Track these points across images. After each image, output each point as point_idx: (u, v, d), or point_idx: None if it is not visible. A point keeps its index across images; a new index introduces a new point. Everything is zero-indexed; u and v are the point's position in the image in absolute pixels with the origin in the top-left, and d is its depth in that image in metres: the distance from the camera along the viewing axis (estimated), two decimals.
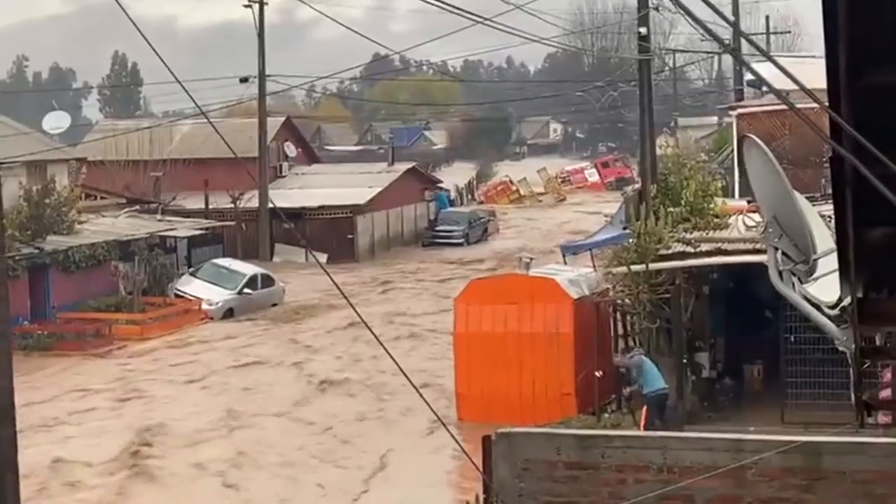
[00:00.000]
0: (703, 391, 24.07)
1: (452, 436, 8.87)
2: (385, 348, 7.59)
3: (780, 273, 6.91)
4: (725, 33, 56.95)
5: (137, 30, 6.73)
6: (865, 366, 6.63)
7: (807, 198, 9.71)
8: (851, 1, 4.55)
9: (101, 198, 46.59)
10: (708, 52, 39.60)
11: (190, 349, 34.66)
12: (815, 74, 5.83)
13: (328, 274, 7.46)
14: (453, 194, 75.32)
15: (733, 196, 32.11)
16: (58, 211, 38.55)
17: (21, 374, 27.40)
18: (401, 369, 7.42)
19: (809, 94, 4.50)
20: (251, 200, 53.30)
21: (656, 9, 27.14)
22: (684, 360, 23.36)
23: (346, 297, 8.22)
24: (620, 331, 25.44)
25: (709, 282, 24.75)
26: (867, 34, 4.71)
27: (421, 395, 7.90)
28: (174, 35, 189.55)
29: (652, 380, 22.37)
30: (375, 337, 7.53)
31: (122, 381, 30.49)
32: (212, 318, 39.28)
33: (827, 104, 4.88)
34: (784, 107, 29.97)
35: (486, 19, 14.80)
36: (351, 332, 34.40)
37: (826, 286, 6.86)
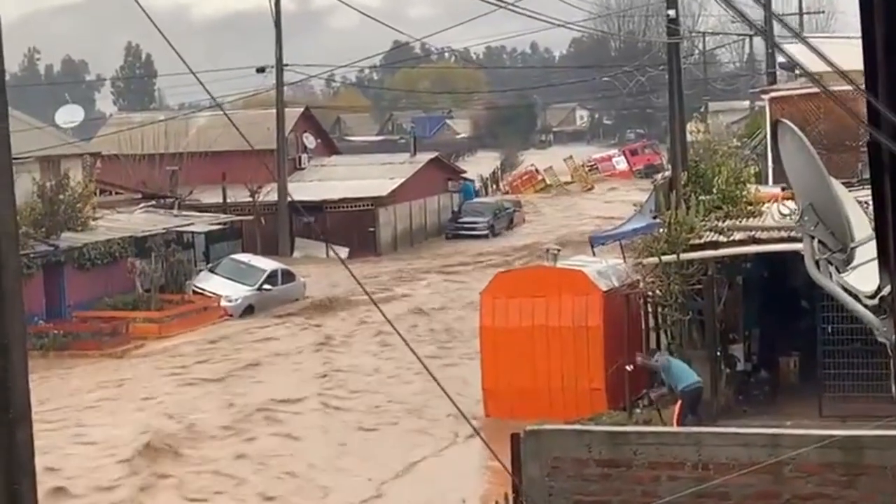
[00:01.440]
0: (738, 384, 24.01)
1: (476, 431, 8.85)
2: (407, 344, 7.59)
3: (817, 262, 6.87)
4: (757, 14, 56.77)
5: (150, 20, 6.73)
6: None
7: (843, 183, 9.66)
8: None
9: (117, 193, 46.76)
10: (739, 35, 39.47)
11: (211, 347, 34.72)
12: (850, 56, 5.79)
13: (349, 269, 7.46)
14: (478, 184, 75.30)
15: (767, 183, 31.95)
16: (72, 207, 38.69)
17: (38, 373, 27.67)
18: (424, 366, 7.42)
19: (843, 75, 4.47)
20: (270, 194, 53.42)
21: None
22: (718, 353, 23.31)
23: (368, 294, 8.23)
24: (651, 323, 25.38)
25: (742, 272, 24.68)
26: None
27: (443, 390, 7.90)
28: (188, 24, 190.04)
29: (684, 376, 22.31)
30: (398, 333, 7.53)
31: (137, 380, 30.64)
32: (231, 316, 39.35)
33: (863, 87, 4.85)
34: (818, 89, 29.69)
35: (508, 4, 14.78)
36: (376, 328, 34.45)
37: (865, 275, 6.81)
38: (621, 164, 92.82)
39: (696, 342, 23.63)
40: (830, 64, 4.32)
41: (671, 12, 27.18)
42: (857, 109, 4.99)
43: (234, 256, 43.75)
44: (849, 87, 4.94)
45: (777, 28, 64.38)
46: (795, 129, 6.65)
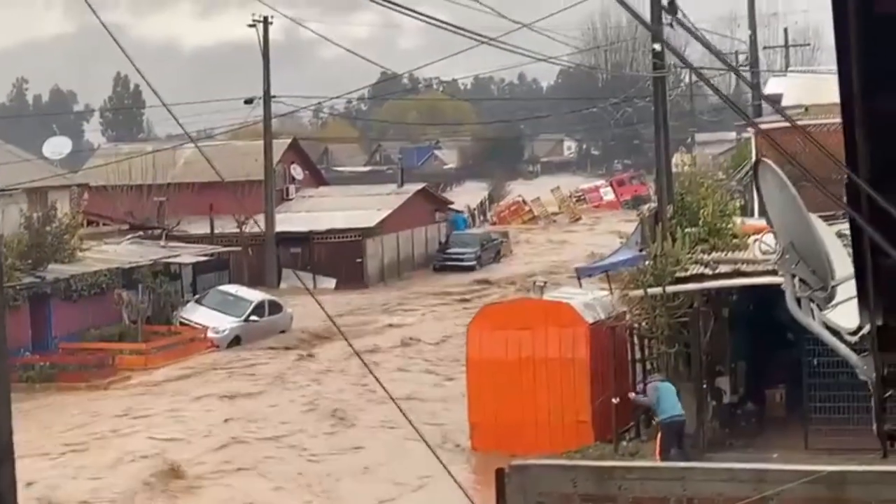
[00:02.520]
0: (725, 417, 24.01)
1: (446, 468, 8.83)
2: (375, 377, 7.59)
3: (798, 300, 6.90)
4: (742, 46, 57.02)
5: (122, 51, 6.76)
6: (888, 394, 6.61)
7: (829, 216, 9.69)
8: (864, 18, 4.55)
9: (104, 224, 46.71)
10: (718, 69, 39.58)
11: (196, 380, 34.63)
12: (835, 90, 5.81)
13: (319, 304, 7.47)
14: (465, 215, 75.41)
15: (752, 215, 32.07)
16: (59, 238, 38.64)
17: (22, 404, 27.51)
18: (392, 398, 7.41)
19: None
20: (257, 225, 53.41)
21: (670, 25, 27.15)
22: (704, 386, 23.31)
23: (339, 329, 8.21)
24: (638, 356, 25.38)
25: (728, 304, 24.71)
26: (881, 53, 4.71)
27: (412, 424, 7.88)
28: (179, 55, 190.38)
29: (667, 407, 22.32)
30: (367, 366, 7.53)
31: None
32: (218, 347, 39.29)
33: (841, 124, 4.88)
34: (806, 121, 29.76)
35: (492, 39, 14.84)
36: (357, 360, 34.35)
37: (846, 312, 6.84)
38: (608, 194, 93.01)
39: (683, 375, 23.63)
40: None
41: (656, 46, 27.32)
42: (839, 143, 5.02)
43: (221, 288, 43.71)
44: (834, 121, 4.97)
45: (764, 61, 64.78)
46: (776, 167, 6.70)
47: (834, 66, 4.72)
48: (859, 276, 5.48)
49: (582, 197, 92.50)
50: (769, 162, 6.84)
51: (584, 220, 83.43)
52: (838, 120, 4.70)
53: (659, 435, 22.35)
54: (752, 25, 53.93)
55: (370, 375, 31.37)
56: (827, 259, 6.72)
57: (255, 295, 42.84)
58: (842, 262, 6.98)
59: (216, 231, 53.80)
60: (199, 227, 54.35)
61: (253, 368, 35.81)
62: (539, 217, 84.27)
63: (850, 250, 6.05)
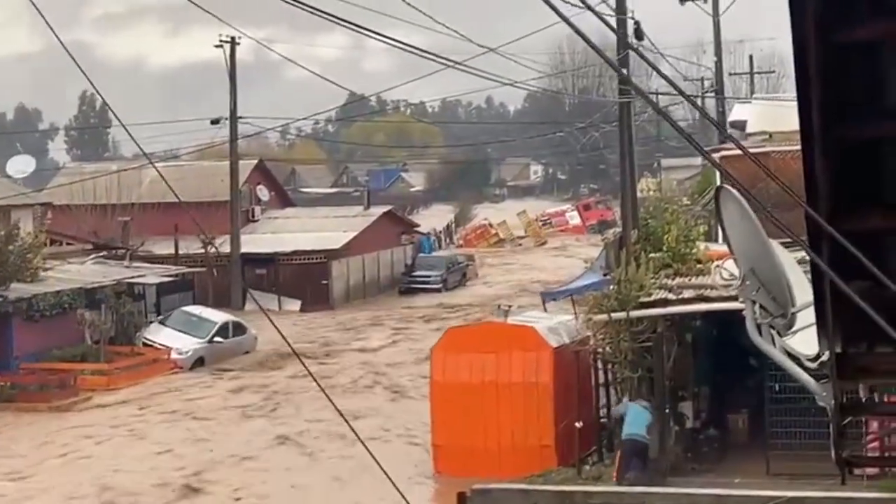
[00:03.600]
0: (687, 442, 24.04)
1: (400, 492, 8.78)
2: (329, 398, 7.55)
3: (759, 326, 6.92)
4: (709, 72, 57.34)
5: (82, 72, 6.73)
6: (846, 421, 6.63)
7: (792, 242, 9.73)
8: (824, 46, 4.57)
9: (67, 243, 46.43)
10: (678, 96, 39.85)
11: (156, 401, 34.42)
12: (797, 117, 5.84)
13: (276, 327, 7.43)
14: (432, 238, 75.45)
15: (716, 241, 32.18)
16: (22, 258, 38.34)
17: None
18: (344, 419, 7.38)
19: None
20: (223, 246, 53.26)
21: (635, 50, 27.31)
22: (667, 410, 23.35)
23: (294, 351, 8.16)
24: (602, 380, 25.41)
25: (691, 329, 24.78)
26: (842, 83, 4.74)
27: (365, 446, 7.85)
28: (145, 74, 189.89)
29: (629, 426, 22.38)
30: (321, 388, 7.49)
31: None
32: (181, 368, 39.11)
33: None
34: (770, 148, 29.83)
35: (459, 63, 14.88)
36: (325, 383, 34.26)
37: (806, 339, 6.86)
38: (574, 219, 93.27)
39: (646, 399, 23.65)
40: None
41: (623, 71, 27.44)
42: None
43: (185, 308, 43.52)
44: (797, 148, 5.00)
45: (729, 88, 65.17)
46: (737, 195, 6.72)
47: None
48: (818, 303, 5.50)
49: (548, 221, 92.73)
50: (730, 189, 6.87)
51: (549, 243, 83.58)
52: (796, 148, 4.74)
53: (618, 455, 22.43)
54: (718, 52, 54.23)
55: (329, 397, 31.36)
56: (787, 286, 6.75)
57: (219, 316, 42.68)
58: (802, 289, 7.01)
59: (181, 252, 53.60)
60: (164, 248, 54.14)
61: (214, 391, 35.60)
62: (505, 240, 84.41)
63: (811, 278, 6.07)
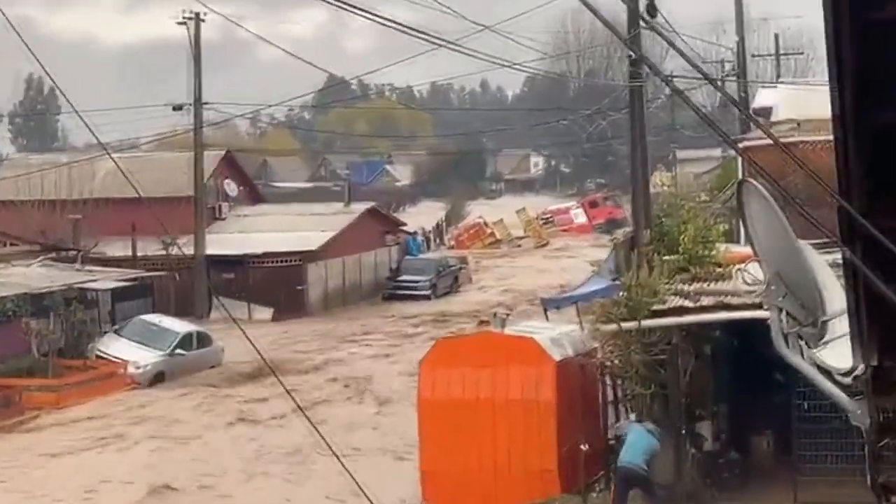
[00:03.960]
0: (705, 466, 24.02)
1: None
2: (307, 417, 7.54)
3: (786, 336, 6.92)
4: (729, 54, 57.40)
5: (29, 50, 6.72)
6: (883, 442, 6.63)
7: (823, 243, 9.72)
8: (860, 24, 4.56)
9: (12, 244, 46.36)
10: (700, 80, 39.75)
11: (108, 422, 34.34)
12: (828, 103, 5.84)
13: (248, 338, 7.41)
14: (420, 238, 75.49)
15: (738, 241, 32.22)
16: None
17: None
18: (322, 437, 7.37)
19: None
20: (186, 246, 53.19)
21: (649, 25, 27.27)
22: (683, 431, 23.33)
23: (271, 369, 8.16)
24: (610, 397, 25.40)
25: (710, 341, 24.76)
26: (879, 64, 4.72)
27: (343, 464, 7.84)
28: (99, 55, 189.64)
29: (627, 450, 22.40)
30: (298, 406, 7.48)
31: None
32: (139, 384, 39.06)
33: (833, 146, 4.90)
34: (798, 138, 29.87)
35: (452, 42, 14.87)
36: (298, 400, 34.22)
37: (839, 351, 6.86)
38: (580, 217, 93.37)
39: (659, 419, 23.64)
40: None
41: (633, 53, 27.46)
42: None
43: (143, 317, 43.46)
44: (828, 138, 5.00)
45: (752, 71, 65.22)
46: (762, 189, 6.72)
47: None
48: (853, 310, 5.50)
49: (550, 219, 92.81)
50: (754, 183, 6.87)
51: (552, 245, 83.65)
52: (828, 137, 4.74)
53: (612, 486, 22.51)
54: (740, 31, 54.23)
55: (305, 421, 31.39)
56: (818, 291, 6.75)
57: (181, 326, 42.67)
58: (834, 295, 7.01)
59: (139, 253, 53.55)
60: (120, 249, 54.07)
61: (176, 411, 35.52)
62: (502, 241, 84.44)
63: (844, 282, 6.08)
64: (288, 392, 10.25)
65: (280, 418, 32.98)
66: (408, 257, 65.94)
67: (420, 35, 11.65)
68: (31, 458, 30.46)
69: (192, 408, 35.91)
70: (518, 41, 30.89)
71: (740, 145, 35.40)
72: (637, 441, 22.48)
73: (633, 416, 23.65)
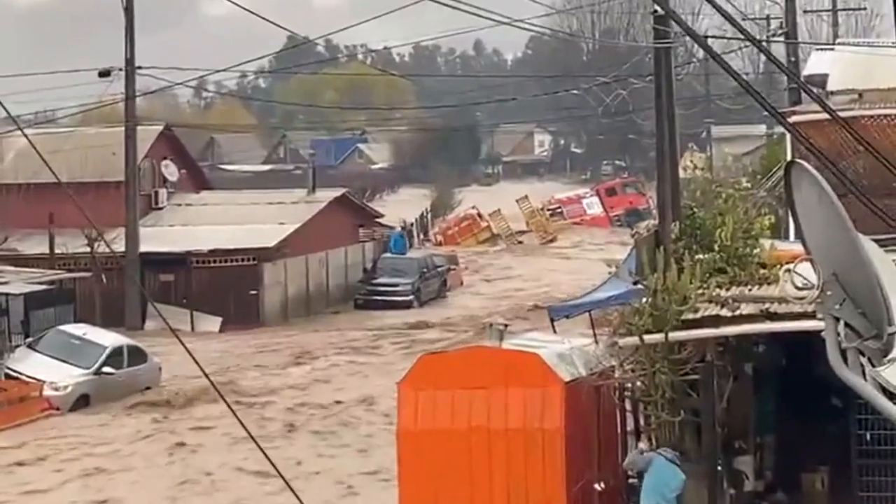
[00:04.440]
0: None
1: None
2: (259, 445, 7.54)
3: (844, 352, 6.90)
4: (776, 9, 57.49)
5: None
6: None
7: (889, 239, 9.73)
8: None
9: None
10: (740, 40, 39.67)
11: (14, 457, 34.24)
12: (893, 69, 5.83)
13: (191, 354, 7.41)
14: (402, 232, 75.47)
15: (787, 237, 32.29)
16: None
17: None
18: (277, 470, 7.36)
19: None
20: (115, 242, 53.12)
21: None
22: (719, 467, 23.37)
23: (219, 393, 8.16)
24: (631, 426, 25.44)
25: (753, 357, 24.82)
26: None
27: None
28: (10, 12, 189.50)
29: (648, 488, 22.45)
30: (250, 435, 7.48)
31: None
32: (58, 409, 38.97)
33: None
34: (859, 111, 30.04)
35: None
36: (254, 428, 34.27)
37: None
38: (594, 207, 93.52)
39: (690, 452, 23.68)
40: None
41: (659, 7, 27.44)
42: None
43: (63, 328, 43.38)
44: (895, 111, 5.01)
45: (805, 29, 65.30)
46: (814, 172, 6.70)
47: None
48: None
49: (558, 210, 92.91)
50: (806, 165, 6.84)
51: (560, 240, 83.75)
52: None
53: None
54: None
55: (256, 454, 31.38)
56: (883, 296, 6.73)
57: (109, 338, 42.58)
58: None
59: (58, 251, 53.45)
60: (35, 245, 54.03)
61: (101, 443, 35.47)
62: (500, 236, 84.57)
63: None
64: (240, 421, 10.19)
65: (229, 447, 33.05)
66: (385, 256, 65.83)
67: None
68: None
69: (122, 438, 35.85)
70: None
71: (789, 120, 35.52)
72: (661, 475, 22.50)
73: (643, 444, 23.67)
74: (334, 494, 30.05)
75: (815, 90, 43.85)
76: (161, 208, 61.24)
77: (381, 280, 62.31)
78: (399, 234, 71.68)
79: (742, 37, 41.13)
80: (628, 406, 25.38)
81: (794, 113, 34.11)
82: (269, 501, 28.76)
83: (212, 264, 55.66)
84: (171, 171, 63.11)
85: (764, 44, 50.43)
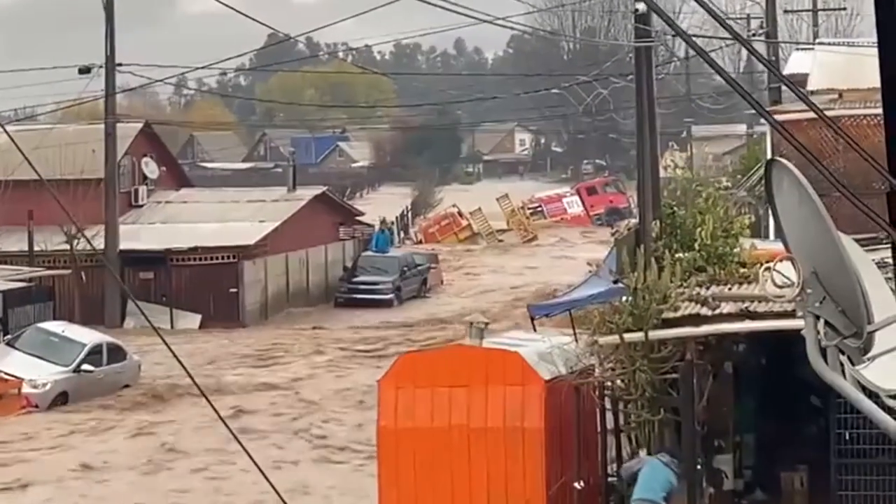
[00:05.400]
0: None
1: None
2: (242, 444, 7.55)
3: (823, 350, 6.91)
4: (757, 9, 57.59)
5: None
6: None
7: (869, 240, 9.76)
8: None
9: None
10: (723, 39, 39.69)
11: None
12: (874, 68, 5.86)
13: (173, 352, 7.41)
14: (383, 230, 75.47)
15: (766, 236, 32.35)
16: None
17: None
18: (263, 474, 7.39)
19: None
20: (95, 240, 53.03)
21: None
22: (699, 466, 23.40)
23: (201, 391, 8.17)
24: (611, 425, 25.44)
25: (732, 356, 24.85)
26: None
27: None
28: None
29: (640, 486, 22.47)
30: (234, 435, 7.49)
31: None
32: (37, 406, 38.93)
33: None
34: (840, 111, 30.15)
35: None
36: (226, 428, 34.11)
37: (888, 368, 6.87)
38: (574, 206, 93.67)
39: (670, 450, 23.72)
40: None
41: (640, 6, 27.50)
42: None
43: (42, 325, 43.34)
44: (877, 111, 5.04)
45: (784, 29, 65.41)
46: (795, 171, 6.71)
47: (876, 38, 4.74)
48: None
49: (538, 208, 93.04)
50: (786, 164, 6.85)
51: (541, 239, 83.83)
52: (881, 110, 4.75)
53: None
54: None
55: (237, 450, 31.36)
56: (863, 295, 6.74)
57: (89, 336, 42.52)
58: (883, 299, 7.01)
59: (37, 248, 53.34)
60: (14, 243, 53.93)
61: (81, 442, 35.41)
62: (480, 235, 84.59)
63: (894, 284, 6.08)
64: (223, 420, 10.20)
65: (214, 453, 33.01)
66: (366, 254, 65.84)
67: None
68: None
69: (108, 437, 35.78)
70: None
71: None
72: (654, 475, 22.54)
73: (643, 452, 23.71)
74: None
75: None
76: (141, 206, 61.14)
77: (361, 278, 62.30)
78: (382, 232, 71.68)
79: (723, 35, 41.26)
80: (608, 405, 25.40)
81: (776, 112, 34.14)
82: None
83: (192, 262, 55.60)
84: (151, 168, 62.99)
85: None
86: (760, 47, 52.31)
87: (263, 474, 7.87)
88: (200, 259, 55.73)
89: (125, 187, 59.31)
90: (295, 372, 44.32)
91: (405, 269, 63.74)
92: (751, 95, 4.90)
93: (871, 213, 4.96)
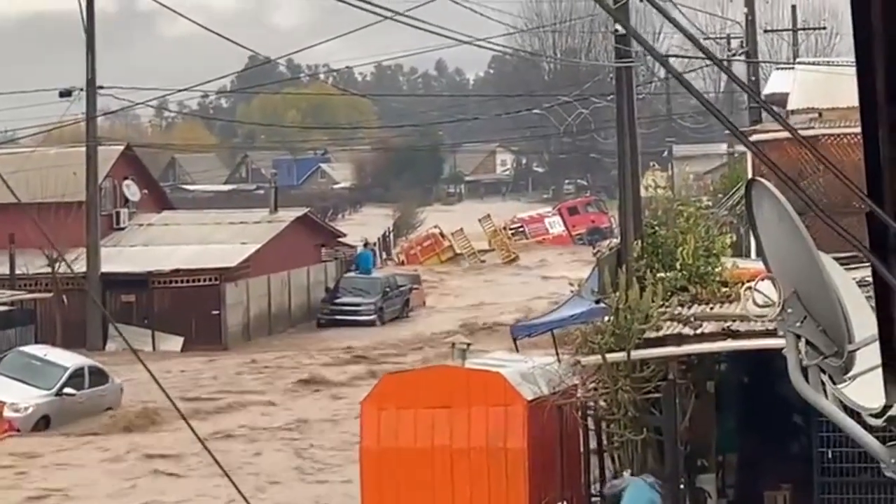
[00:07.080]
0: None
1: None
2: (225, 472, 7.53)
3: (805, 370, 6.92)
4: (737, 28, 57.74)
5: None
6: None
7: (849, 258, 9.77)
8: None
9: None
10: (702, 59, 39.85)
11: None
12: (853, 87, 5.88)
13: (154, 377, 7.40)
14: (365, 251, 75.50)
15: (748, 255, 32.37)
16: None
17: None
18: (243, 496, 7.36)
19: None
20: (76, 263, 52.95)
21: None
22: (682, 486, 23.40)
23: (182, 415, 8.15)
24: (594, 445, 25.44)
25: (715, 375, 24.86)
26: None
27: None
28: None
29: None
30: (214, 459, 7.47)
31: None
32: (19, 431, 38.82)
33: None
34: (820, 130, 30.20)
35: (398, 14, 14.86)
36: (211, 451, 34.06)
37: (869, 387, 6.88)
38: (556, 226, 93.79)
39: (654, 470, 23.72)
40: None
41: (621, 27, 27.53)
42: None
43: (23, 349, 43.25)
44: (857, 130, 5.06)
45: (765, 48, 65.58)
46: (775, 190, 6.72)
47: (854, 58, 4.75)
48: (885, 338, 5.52)
49: (520, 229, 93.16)
50: (766, 184, 6.86)
51: (523, 259, 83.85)
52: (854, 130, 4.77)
53: None
54: (750, 2, 54.62)
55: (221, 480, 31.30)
56: (843, 314, 6.75)
57: (71, 359, 42.42)
58: (863, 319, 7.02)
59: (18, 271, 53.24)
60: None
61: (65, 467, 35.29)
62: (462, 256, 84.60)
63: (875, 303, 6.09)
64: (204, 445, 10.18)
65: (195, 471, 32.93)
66: (348, 275, 65.90)
67: (361, 5, 11.63)
68: None
69: (94, 460, 35.68)
70: (482, 12, 30.92)
71: (750, 139, 35.49)
72: (638, 496, 22.54)
73: (628, 472, 23.69)
74: None
75: (775, 109, 44.01)
76: (122, 228, 61.07)
77: (343, 299, 62.30)
78: (365, 251, 71.73)
79: (703, 56, 41.34)
80: (591, 424, 25.39)
81: (755, 132, 34.25)
82: None
83: (173, 284, 55.54)
84: (132, 191, 62.92)
85: (725, 63, 50.64)
86: (741, 67, 52.46)
87: (245, 498, 7.86)
88: (182, 281, 55.67)
89: (107, 210, 59.24)
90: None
91: (387, 290, 63.76)
92: (725, 116, 4.91)
93: (847, 235, 4.96)
